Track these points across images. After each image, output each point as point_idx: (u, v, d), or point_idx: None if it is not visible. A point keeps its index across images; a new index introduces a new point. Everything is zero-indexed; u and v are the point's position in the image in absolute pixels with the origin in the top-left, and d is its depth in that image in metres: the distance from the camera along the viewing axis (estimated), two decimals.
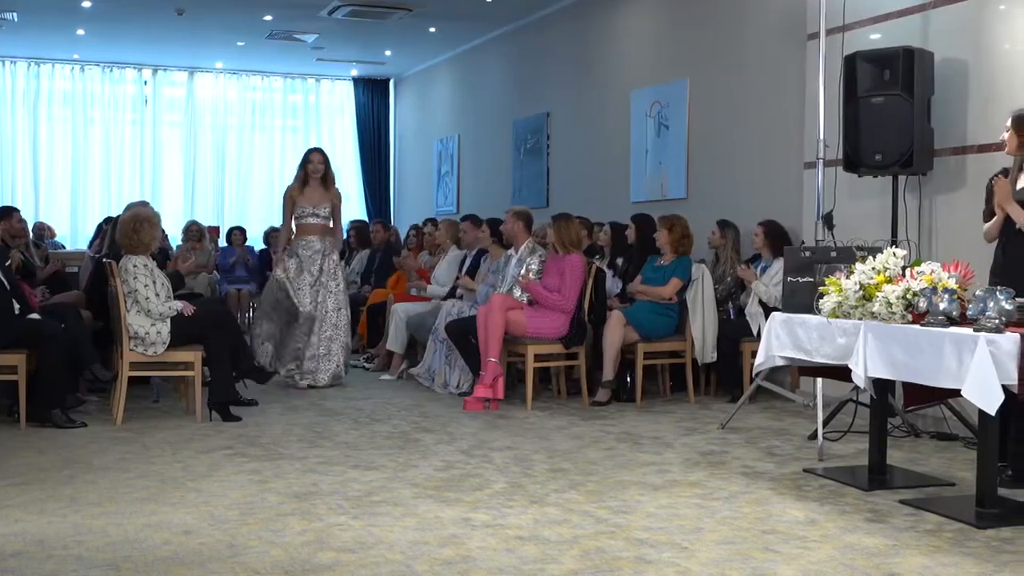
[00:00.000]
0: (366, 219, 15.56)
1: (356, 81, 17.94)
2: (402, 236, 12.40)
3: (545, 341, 7.65)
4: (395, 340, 9.11)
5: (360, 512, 4.64)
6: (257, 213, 16.97)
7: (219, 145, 17.22)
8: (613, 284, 8.57)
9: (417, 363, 8.79)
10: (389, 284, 10.61)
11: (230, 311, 9.65)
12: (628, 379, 7.92)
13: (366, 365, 9.62)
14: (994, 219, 5.31)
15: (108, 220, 9.67)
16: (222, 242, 13.94)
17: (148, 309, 6.85)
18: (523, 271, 7.97)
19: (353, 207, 17.66)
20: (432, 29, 13.84)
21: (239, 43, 14.85)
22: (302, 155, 9.00)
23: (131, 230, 7.01)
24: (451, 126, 15.81)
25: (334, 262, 8.52)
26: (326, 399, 7.86)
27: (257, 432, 6.52)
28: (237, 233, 13.81)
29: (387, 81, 18.13)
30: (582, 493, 5.02)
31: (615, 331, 7.68)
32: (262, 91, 17.57)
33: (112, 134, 16.57)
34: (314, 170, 8.67)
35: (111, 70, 16.52)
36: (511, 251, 8.35)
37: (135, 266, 6.91)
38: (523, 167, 13.36)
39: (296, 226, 8.57)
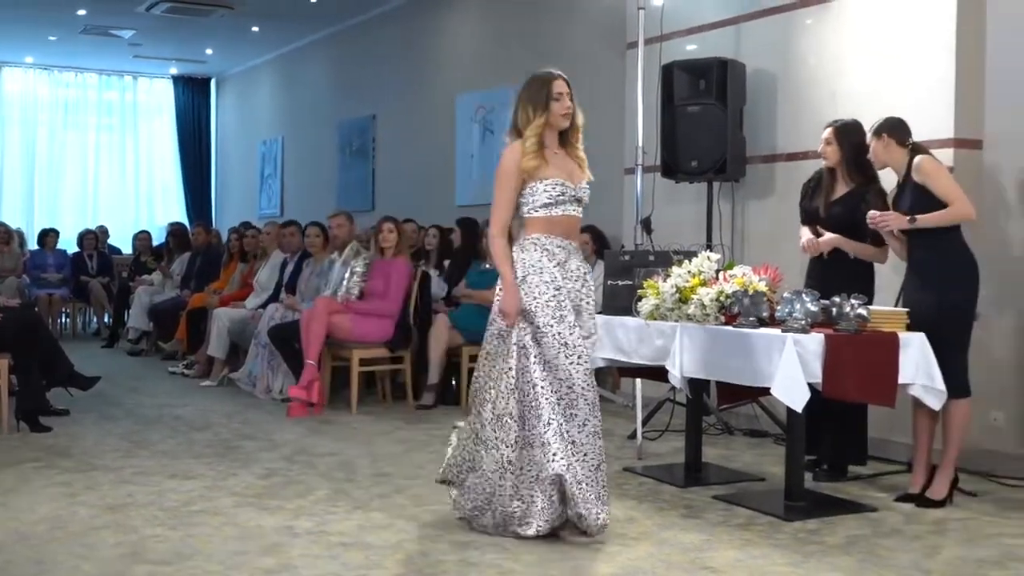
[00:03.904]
0: (186, 222, 15.17)
1: (176, 79, 17.48)
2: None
3: (370, 345, 7.60)
4: (216, 345, 8.89)
5: (177, 523, 4.51)
6: (69, 215, 16.32)
7: (29, 144, 16.52)
8: (439, 287, 8.58)
9: (239, 369, 8.61)
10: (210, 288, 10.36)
11: (40, 317, 9.22)
12: (454, 382, 7.94)
13: (186, 371, 9.35)
14: (894, 244, 5.21)
15: None
16: (32, 244, 13.37)
17: None
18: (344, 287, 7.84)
19: (172, 209, 17.21)
20: (255, 28, 13.61)
21: (51, 37, 14.27)
22: None
23: None
24: (275, 127, 15.57)
25: None
26: (143, 407, 7.61)
27: (69, 442, 6.27)
28: (51, 236, 13.25)
29: (208, 80, 17.73)
30: (407, 497, 5.01)
31: (440, 334, 7.69)
32: (76, 88, 16.94)
33: None
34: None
35: None
36: (335, 255, 8.26)
37: None
38: (348, 169, 13.26)
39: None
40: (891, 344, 4.64)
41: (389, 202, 11.71)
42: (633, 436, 6.25)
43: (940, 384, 4.70)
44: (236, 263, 10.27)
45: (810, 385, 4.48)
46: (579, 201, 4.41)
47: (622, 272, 5.76)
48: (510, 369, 4.25)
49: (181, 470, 5.55)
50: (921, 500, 4.96)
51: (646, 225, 6.69)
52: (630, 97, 7.18)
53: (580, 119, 4.45)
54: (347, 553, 4.11)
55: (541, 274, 4.28)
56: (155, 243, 13.22)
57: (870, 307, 4.77)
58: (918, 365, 4.69)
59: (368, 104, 12.79)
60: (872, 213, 5.07)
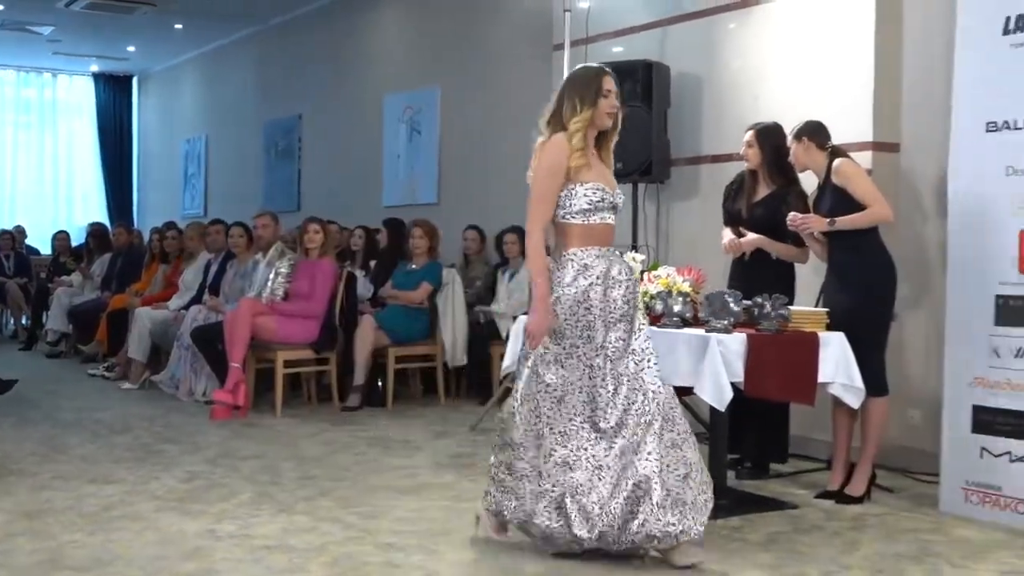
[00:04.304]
0: (107, 222, 14.91)
1: (96, 77, 17.17)
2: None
3: (295, 346, 7.54)
4: (137, 347, 8.74)
5: (96, 528, 4.43)
6: None
7: None
8: (364, 288, 8.54)
9: (161, 371, 8.48)
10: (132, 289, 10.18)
11: None
12: (379, 383, 7.91)
13: (106, 374, 9.19)
14: (814, 246, 5.28)
15: None
16: None
17: None
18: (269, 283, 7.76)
19: (93, 209, 16.92)
20: (178, 26, 13.42)
21: None
22: None
23: None
24: (199, 126, 15.36)
25: None
26: (61, 410, 7.46)
27: None
28: None
29: (130, 78, 17.44)
30: (332, 499, 4.97)
31: (366, 335, 7.65)
32: None
33: None
34: None
35: None
36: (260, 255, 8.17)
37: None
38: (274, 170, 13.14)
39: None
40: (811, 344, 4.72)
41: (315, 203, 11.62)
42: None
43: (859, 383, 4.79)
44: (158, 264, 10.11)
45: (733, 384, 4.53)
46: (615, 209, 4.11)
47: None
48: (517, 392, 4.07)
49: (101, 475, 5.45)
50: (840, 497, 5.05)
51: None
52: None
53: (619, 122, 4.19)
54: (271, 556, 4.07)
55: (576, 293, 3.97)
56: (75, 243, 12.97)
57: (791, 307, 4.85)
58: (837, 364, 4.77)
59: (294, 104, 12.68)
60: (792, 216, 5.15)
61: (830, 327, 4.86)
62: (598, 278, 3.99)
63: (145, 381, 8.63)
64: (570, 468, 3.92)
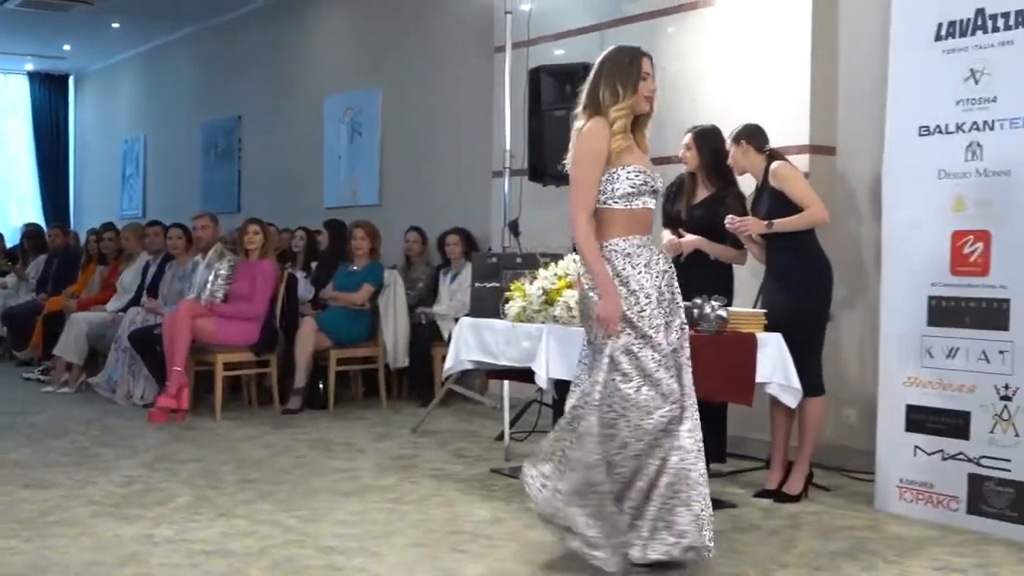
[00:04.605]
0: (42, 223, 14.67)
1: (32, 76, 16.90)
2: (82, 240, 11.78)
3: (235, 349, 7.47)
4: (74, 350, 8.61)
5: (32, 534, 4.36)
6: None
7: None
8: (306, 290, 8.49)
9: (98, 374, 8.37)
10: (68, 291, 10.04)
11: None
12: (320, 386, 7.87)
13: (41, 377, 9.05)
14: (752, 248, 5.36)
15: None
16: None
17: None
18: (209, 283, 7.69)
19: (28, 210, 16.64)
20: (115, 24, 13.25)
21: None
22: None
23: None
24: (137, 126, 15.18)
25: None
26: None
27: None
28: None
29: (66, 77, 17.19)
30: (272, 503, 4.94)
31: (307, 337, 7.61)
32: None
33: None
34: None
35: None
36: (199, 257, 8.10)
37: None
38: (213, 171, 13.02)
39: None
40: (749, 344, 4.77)
41: (255, 204, 11.53)
42: (500, 438, 6.29)
43: (796, 383, 4.85)
44: (95, 265, 9.98)
45: None
46: (655, 193, 3.92)
47: (489, 274, 5.79)
48: (597, 383, 3.77)
49: (36, 479, 5.36)
50: (778, 495, 5.12)
51: (513, 228, 6.75)
52: (498, 101, 7.23)
53: (655, 104, 3.99)
54: (209, 561, 4.04)
55: (627, 283, 3.79)
56: (9, 245, 12.74)
57: (730, 308, 4.90)
58: (775, 365, 4.83)
59: (234, 104, 12.58)
60: (731, 218, 5.21)
61: (768, 328, 4.91)
62: (646, 266, 3.83)
63: (82, 384, 8.50)
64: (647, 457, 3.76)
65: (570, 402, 3.92)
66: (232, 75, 12.60)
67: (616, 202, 3.85)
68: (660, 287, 3.85)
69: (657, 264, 3.87)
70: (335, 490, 5.21)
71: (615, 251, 3.84)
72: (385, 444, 6.46)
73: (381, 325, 7.87)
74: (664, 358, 3.79)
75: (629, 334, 3.77)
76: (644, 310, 3.78)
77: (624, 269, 3.80)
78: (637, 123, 3.97)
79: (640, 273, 3.81)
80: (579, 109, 3.98)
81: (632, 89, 3.87)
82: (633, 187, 3.84)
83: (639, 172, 3.85)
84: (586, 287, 3.89)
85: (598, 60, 3.99)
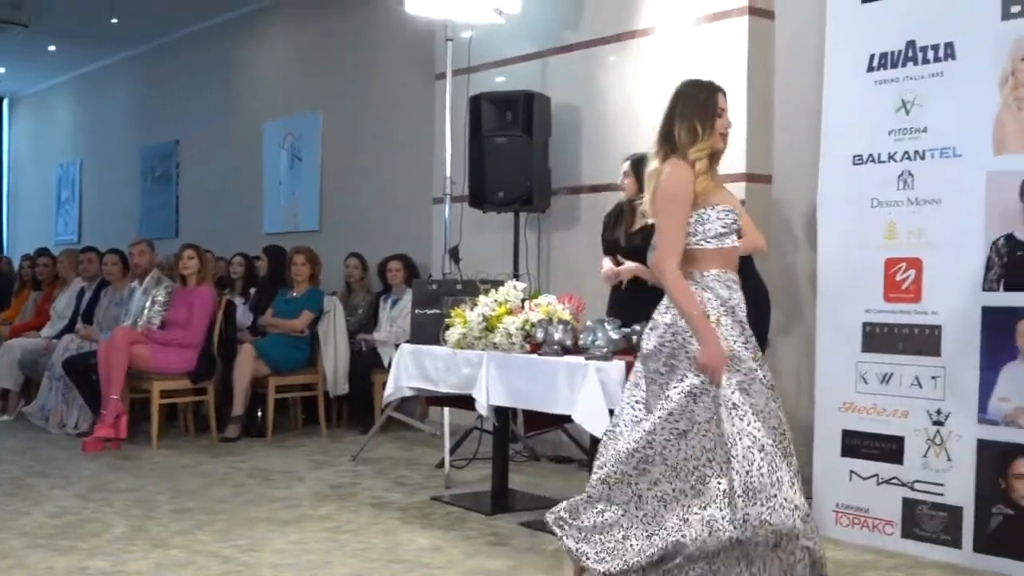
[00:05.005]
0: None
1: None
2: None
3: (172, 376, 7.37)
4: (8, 377, 8.45)
5: None
6: None
7: None
8: (244, 316, 8.42)
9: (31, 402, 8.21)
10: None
11: None
12: (259, 413, 7.79)
13: None
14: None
15: None
16: None
17: None
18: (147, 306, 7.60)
19: None
20: (52, 48, 13.08)
21: None
22: None
23: None
24: (73, 150, 14.98)
25: None
26: None
27: None
28: None
29: (0, 100, 16.91)
30: (208, 533, 4.87)
31: (245, 365, 7.53)
32: None
33: None
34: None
35: None
36: (135, 283, 8.00)
37: None
38: (151, 195, 12.89)
39: None
40: None
41: (194, 230, 11.41)
42: (441, 465, 6.25)
43: None
44: (28, 291, 9.81)
45: (612, 411, 4.58)
46: (739, 232, 3.74)
47: (430, 301, 5.78)
48: (720, 435, 3.48)
49: None
50: None
51: (454, 254, 6.75)
52: (439, 127, 7.24)
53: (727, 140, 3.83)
54: None
55: (733, 313, 3.60)
56: None
57: None
58: None
59: (172, 129, 12.47)
60: None
61: None
62: (735, 307, 3.64)
63: (19, 411, 8.35)
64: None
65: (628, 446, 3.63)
66: (170, 99, 12.48)
67: (709, 242, 3.64)
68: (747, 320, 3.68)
69: (741, 307, 3.66)
70: (273, 519, 5.16)
71: (718, 279, 3.62)
72: (324, 472, 6.40)
73: (321, 352, 7.82)
74: (771, 390, 3.60)
75: (737, 370, 3.54)
76: (748, 341, 3.61)
77: (730, 299, 3.61)
78: (711, 159, 3.77)
79: (740, 306, 3.63)
80: (654, 149, 3.77)
81: (711, 128, 3.70)
82: (725, 227, 3.65)
83: (728, 211, 3.67)
84: (676, 330, 3.58)
85: (671, 96, 3.79)
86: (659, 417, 3.56)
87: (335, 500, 5.62)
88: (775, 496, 3.39)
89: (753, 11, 6.05)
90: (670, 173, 3.64)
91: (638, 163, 5.62)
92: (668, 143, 3.71)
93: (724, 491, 3.45)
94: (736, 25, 6.08)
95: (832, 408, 4.98)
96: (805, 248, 5.77)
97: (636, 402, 3.71)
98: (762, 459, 3.42)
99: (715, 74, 6.06)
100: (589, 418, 4.54)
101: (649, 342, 3.67)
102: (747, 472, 3.40)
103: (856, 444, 4.89)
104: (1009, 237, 4.38)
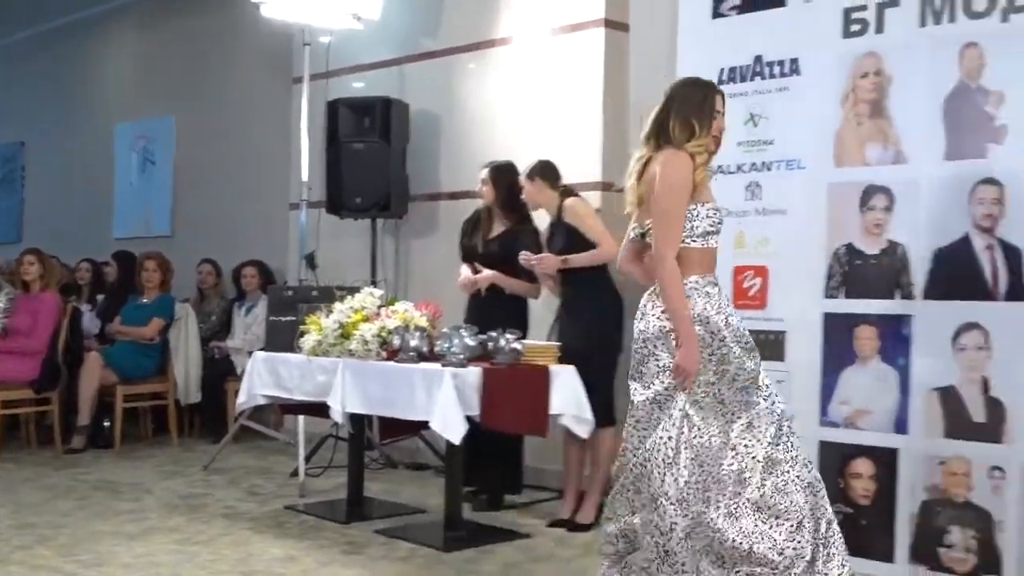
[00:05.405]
0: None
1: None
2: None
3: (13, 386, 7.09)
4: None
5: None
6: None
7: None
8: (91, 324, 8.15)
9: None
10: None
11: None
12: (106, 423, 7.54)
13: None
14: (547, 282, 5.49)
15: None
16: None
17: None
18: None
19: None
20: None
21: None
22: None
23: None
24: None
25: None
26: None
27: None
28: None
29: None
30: (51, 548, 4.69)
31: (92, 373, 7.29)
32: None
33: None
34: None
35: None
36: None
37: None
38: None
39: None
40: (543, 377, 4.85)
41: (40, 234, 10.96)
42: (295, 474, 6.17)
43: (588, 414, 4.95)
44: None
45: (469, 418, 4.60)
46: (719, 234, 3.66)
47: (285, 308, 5.71)
48: (670, 439, 3.47)
49: None
50: (571, 525, 5.20)
51: (310, 261, 6.67)
52: (295, 132, 7.15)
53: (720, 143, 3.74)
54: None
55: (707, 324, 3.50)
56: None
57: (524, 341, 4.97)
58: (568, 396, 4.92)
59: (16, 130, 12.01)
60: (526, 255, 5.31)
61: (561, 360, 5.01)
62: (724, 306, 3.58)
63: None
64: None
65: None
66: (15, 99, 12.01)
67: (695, 240, 3.56)
68: (737, 325, 3.61)
69: (729, 305, 3.64)
70: (120, 532, 5.00)
71: (696, 289, 3.53)
72: (174, 483, 6.24)
73: (172, 360, 7.64)
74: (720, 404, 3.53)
75: (712, 382, 3.51)
76: (715, 355, 3.51)
77: (705, 309, 3.51)
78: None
79: (717, 314, 3.53)
80: (642, 137, 3.69)
81: (708, 126, 3.60)
82: (712, 226, 3.58)
83: (716, 210, 3.61)
84: (660, 330, 3.54)
85: (667, 91, 3.71)
86: (629, 425, 3.60)
87: (185, 511, 5.48)
88: (703, 513, 3.42)
89: (609, 23, 6.16)
90: (670, 162, 3.53)
91: (496, 170, 5.68)
92: (662, 136, 3.61)
93: (655, 495, 3.46)
94: (592, 37, 6.17)
95: None
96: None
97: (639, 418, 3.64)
98: (700, 474, 3.43)
99: (572, 84, 6.22)
100: (446, 424, 4.55)
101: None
102: (685, 482, 3.42)
103: None
104: (849, 246, 4.55)
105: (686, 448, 3.44)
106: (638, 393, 3.57)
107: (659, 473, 3.44)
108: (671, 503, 3.41)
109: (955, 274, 4.26)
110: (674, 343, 3.48)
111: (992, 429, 4.14)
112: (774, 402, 3.58)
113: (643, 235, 3.70)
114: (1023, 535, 4.05)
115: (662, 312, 3.54)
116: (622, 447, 3.64)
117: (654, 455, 3.47)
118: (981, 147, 4.23)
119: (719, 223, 3.61)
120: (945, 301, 4.28)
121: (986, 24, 4.23)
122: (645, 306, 3.64)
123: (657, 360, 3.53)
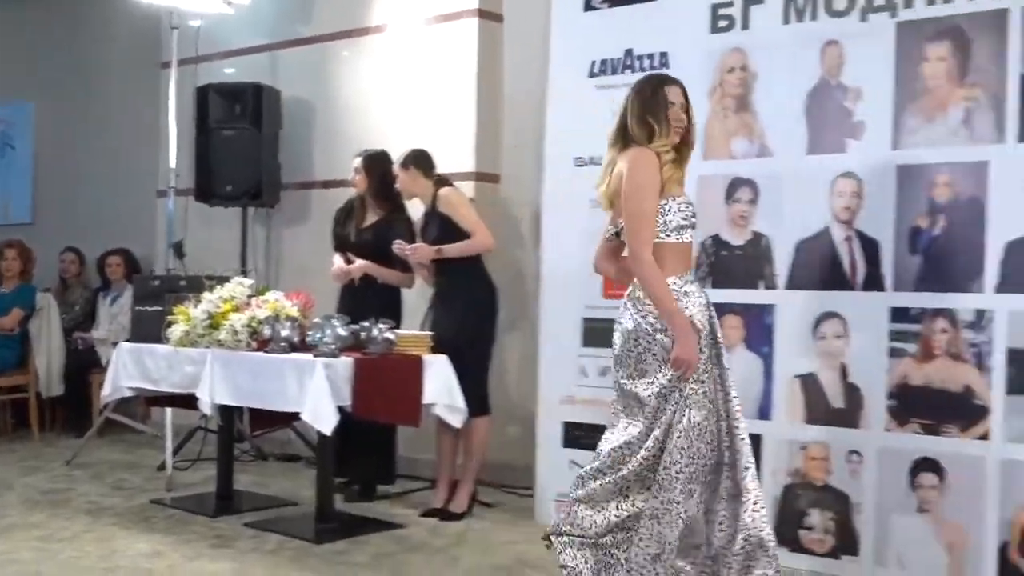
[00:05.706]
0: None
1: None
2: None
3: None
4: None
5: None
6: None
7: None
8: None
9: None
10: None
11: None
12: None
13: None
14: (421, 272, 5.46)
15: None
16: None
17: None
18: None
19: None
20: None
21: None
22: None
23: None
24: None
25: None
26: None
27: None
28: None
29: None
30: None
31: None
32: None
33: None
34: None
35: None
36: None
37: None
38: None
39: None
40: (415, 366, 4.85)
41: None
42: (162, 467, 6.04)
43: (461, 403, 4.97)
44: None
45: (341, 408, 4.57)
46: (694, 228, 3.63)
47: (152, 297, 5.59)
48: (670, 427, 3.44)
49: None
50: (444, 514, 5.22)
51: (178, 249, 6.52)
52: (163, 118, 6.98)
53: (695, 136, 3.69)
54: None
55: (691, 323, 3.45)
56: None
57: (397, 331, 4.96)
58: (441, 386, 4.93)
59: None
60: (400, 244, 5.29)
61: (435, 350, 5.01)
62: (704, 306, 3.54)
63: None
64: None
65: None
66: None
67: (668, 235, 3.52)
68: (715, 327, 3.59)
69: (703, 299, 3.58)
70: None
71: (674, 290, 3.48)
72: (35, 478, 6.05)
73: (33, 351, 7.40)
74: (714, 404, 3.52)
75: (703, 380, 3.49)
76: (717, 349, 3.55)
77: (687, 308, 3.47)
78: (678, 153, 3.63)
79: (700, 311, 3.50)
80: (608, 142, 3.67)
81: (665, 121, 3.54)
82: (685, 219, 3.55)
83: (687, 204, 3.58)
84: (651, 326, 3.47)
85: (628, 93, 3.67)
86: (630, 418, 3.54)
87: (47, 507, 5.32)
88: (677, 503, 3.42)
89: (483, 14, 6.18)
90: (635, 160, 3.51)
91: (369, 159, 5.65)
92: (623, 139, 3.60)
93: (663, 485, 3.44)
94: (466, 26, 6.18)
95: (554, 401, 5.14)
96: (531, 247, 5.93)
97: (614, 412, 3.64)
98: (688, 463, 3.42)
99: (446, 74, 6.22)
100: (317, 415, 4.52)
101: (615, 348, 3.58)
102: (676, 467, 3.42)
103: (577, 435, 5.05)
104: (715, 237, 4.66)
105: (679, 435, 3.43)
106: (642, 392, 3.49)
107: (669, 462, 3.43)
108: (680, 491, 3.42)
109: (816, 265, 4.40)
110: (665, 337, 3.44)
111: (850, 415, 4.30)
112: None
113: (617, 234, 3.70)
114: (879, 517, 4.22)
115: (640, 313, 3.50)
116: (623, 440, 3.53)
117: (668, 443, 3.44)
118: (841, 142, 4.38)
119: (692, 216, 3.59)
120: (806, 291, 4.42)
121: (846, 23, 4.37)
122: (623, 312, 3.58)
123: (653, 354, 3.47)
